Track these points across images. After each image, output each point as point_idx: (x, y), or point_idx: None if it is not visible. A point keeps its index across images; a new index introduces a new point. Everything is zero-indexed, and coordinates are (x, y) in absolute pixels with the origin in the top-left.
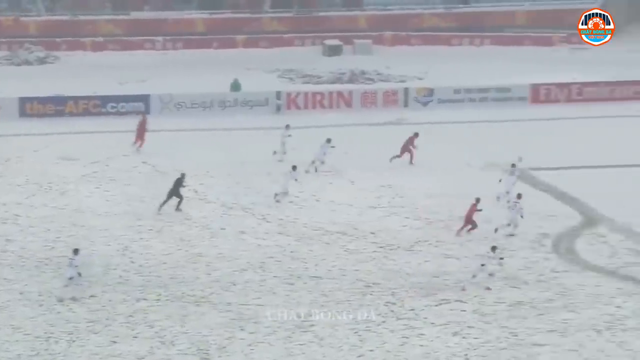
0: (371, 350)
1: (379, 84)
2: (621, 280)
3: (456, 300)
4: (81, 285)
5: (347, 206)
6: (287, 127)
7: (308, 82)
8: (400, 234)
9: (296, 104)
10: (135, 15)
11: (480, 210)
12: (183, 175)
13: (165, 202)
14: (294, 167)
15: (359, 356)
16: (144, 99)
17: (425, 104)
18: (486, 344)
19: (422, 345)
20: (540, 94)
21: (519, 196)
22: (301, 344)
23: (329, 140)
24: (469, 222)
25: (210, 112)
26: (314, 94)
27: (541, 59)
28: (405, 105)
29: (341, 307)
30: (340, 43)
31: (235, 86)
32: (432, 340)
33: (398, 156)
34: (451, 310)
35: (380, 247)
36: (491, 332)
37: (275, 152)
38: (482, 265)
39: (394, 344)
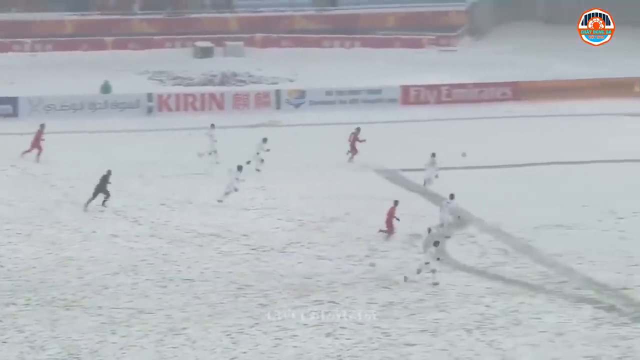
0: (244, 353)
1: (250, 85)
2: (490, 279)
3: (329, 302)
4: None
5: (219, 208)
6: (212, 126)
7: (179, 84)
8: (273, 236)
9: (168, 106)
10: (2, 16)
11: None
12: (109, 172)
13: (91, 199)
14: (240, 167)
15: (232, 359)
16: (13, 101)
17: (297, 105)
18: (359, 345)
19: (295, 347)
20: (410, 96)
21: (452, 196)
22: (174, 347)
23: (265, 140)
24: (390, 226)
25: (81, 114)
26: (186, 95)
27: (411, 60)
28: (277, 107)
29: (214, 310)
30: (212, 45)
31: (106, 88)
32: (305, 342)
33: (350, 152)
34: (324, 311)
35: (253, 249)
36: (364, 332)
37: (200, 155)
38: (427, 263)
39: (267, 346)
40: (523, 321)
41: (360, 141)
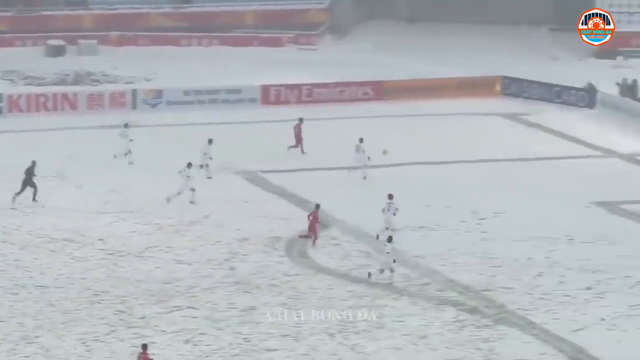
0: None
1: (105, 85)
2: (353, 282)
3: (188, 307)
4: None
5: (73, 212)
6: (127, 125)
7: (30, 84)
8: (130, 240)
9: (18, 107)
10: None
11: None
12: (34, 163)
13: (19, 192)
14: (189, 165)
15: None
16: None
17: (154, 105)
18: (219, 351)
19: (153, 354)
20: (270, 95)
21: (391, 196)
22: (26, 356)
23: (210, 141)
24: (313, 231)
25: None
26: (37, 96)
27: (271, 59)
28: (134, 107)
29: (68, 317)
30: (64, 43)
31: None
32: (163, 349)
33: (294, 146)
34: (183, 317)
35: (109, 253)
36: (224, 338)
37: (115, 156)
38: (394, 261)
39: (124, 354)
40: (386, 324)
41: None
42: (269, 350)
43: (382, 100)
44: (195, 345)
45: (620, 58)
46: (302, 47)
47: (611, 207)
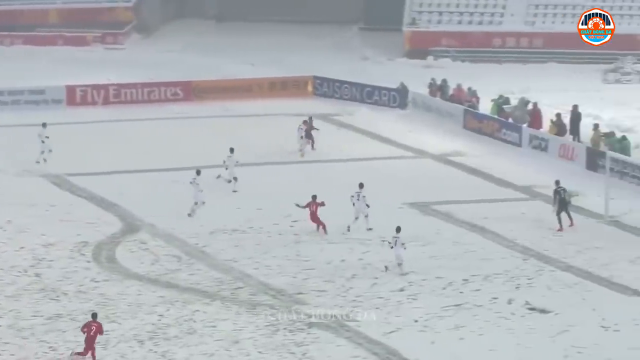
0: None
1: None
2: (163, 288)
3: None
4: None
5: None
6: (44, 125)
7: None
8: None
9: None
10: None
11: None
12: None
13: None
14: (198, 172)
15: None
16: None
17: None
18: None
19: None
20: (76, 96)
21: (362, 185)
22: None
23: (44, 125)
24: (318, 222)
25: None
26: None
27: (76, 59)
28: None
29: None
30: None
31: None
32: None
33: (310, 145)
34: None
35: None
36: (28, 347)
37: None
38: (404, 246)
39: None
40: (198, 330)
41: (315, 129)
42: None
43: (192, 101)
44: None
45: (430, 58)
46: (109, 46)
47: (423, 207)
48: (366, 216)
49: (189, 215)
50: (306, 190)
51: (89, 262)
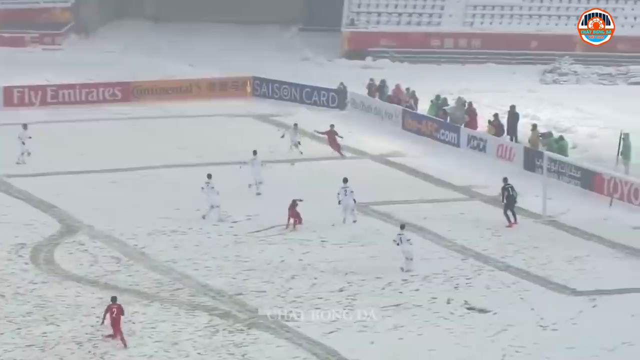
0: None
1: None
2: (102, 289)
3: None
4: None
5: None
6: (25, 126)
7: None
8: None
9: None
10: None
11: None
12: None
13: None
14: (209, 176)
15: None
16: None
17: None
18: None
19: None
20: (13, 97)
21: (346, 180)
22: None
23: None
24: (297, 217)
25: None
26: None
27: (14, 60)
28: None
29: None
30: None
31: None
32: None
33: (338, 152)
34: None
35: None
36: None
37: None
38: (410, 242)
39: None
40: (137, 331)
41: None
42: None
43: (130, 102)
44: None
45: (369, 58)
46: (47, 47)
47: (362, 208)
48: (353, 210)
49: (204, 217)
50: (246, 191)
51: (26, 264)
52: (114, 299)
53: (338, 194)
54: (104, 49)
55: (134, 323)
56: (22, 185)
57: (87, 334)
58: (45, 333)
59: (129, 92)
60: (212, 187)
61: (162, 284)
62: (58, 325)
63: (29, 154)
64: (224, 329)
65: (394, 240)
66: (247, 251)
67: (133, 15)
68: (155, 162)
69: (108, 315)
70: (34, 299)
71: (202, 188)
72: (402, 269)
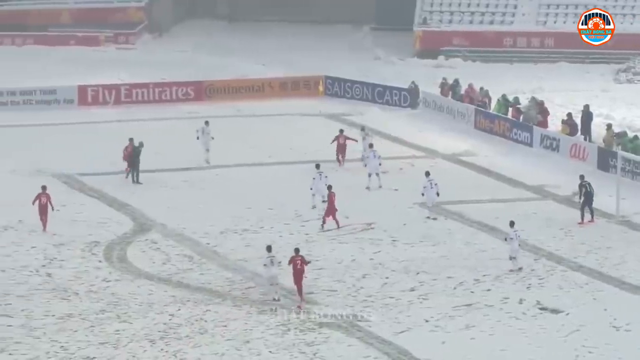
0: None
1: None
2: (175, 287)
3: (2, 315)
4: None
5: None
6: (207, 122)
7: None
8: None
9: None
10: None
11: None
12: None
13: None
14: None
15: None
16: None
17: None
18: None
19: None
20: (88, 96)
21: (428, 173)
22: None
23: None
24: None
25: None
26: None
27: (88, 59)
28: None
29: None
30: None
31: None
32: None
33: (339, 160)
34: None
35: None
36: (40, 347)
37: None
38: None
39: None
40: (209, 329)
41: (352, 139)
42: (87, 358)
43: (203, 101)
44: (10, 354)
45: (441, 57)
46: (120, 46)
47: (434, 208)
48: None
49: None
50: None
51: (100, 261)
52: (297, 250)
53: (424, 187)
54: (177, 48)
55: (206, 321)
56: (95, 183)
57: (159, 331)
58: (118, 330)
59: (202, 91)
60: (326, 176)
61: (234, 283)
62: (131, 323)
63: (207, 150)
64: (295, 328)
65: (504, 239)
66: (318, 250)
67: (205, 15)
68: (227, 161)
69: (291, 266)
70: (107, 296)
71: (314, 178)
72: (520, 268)
